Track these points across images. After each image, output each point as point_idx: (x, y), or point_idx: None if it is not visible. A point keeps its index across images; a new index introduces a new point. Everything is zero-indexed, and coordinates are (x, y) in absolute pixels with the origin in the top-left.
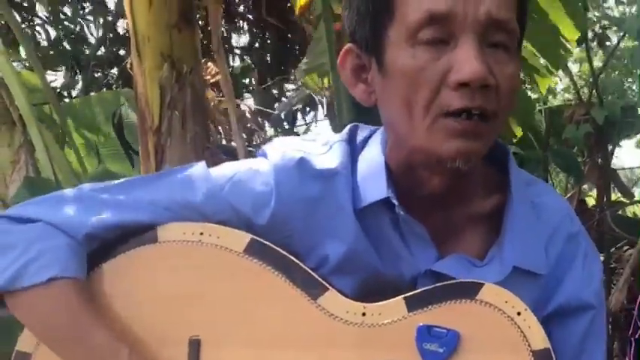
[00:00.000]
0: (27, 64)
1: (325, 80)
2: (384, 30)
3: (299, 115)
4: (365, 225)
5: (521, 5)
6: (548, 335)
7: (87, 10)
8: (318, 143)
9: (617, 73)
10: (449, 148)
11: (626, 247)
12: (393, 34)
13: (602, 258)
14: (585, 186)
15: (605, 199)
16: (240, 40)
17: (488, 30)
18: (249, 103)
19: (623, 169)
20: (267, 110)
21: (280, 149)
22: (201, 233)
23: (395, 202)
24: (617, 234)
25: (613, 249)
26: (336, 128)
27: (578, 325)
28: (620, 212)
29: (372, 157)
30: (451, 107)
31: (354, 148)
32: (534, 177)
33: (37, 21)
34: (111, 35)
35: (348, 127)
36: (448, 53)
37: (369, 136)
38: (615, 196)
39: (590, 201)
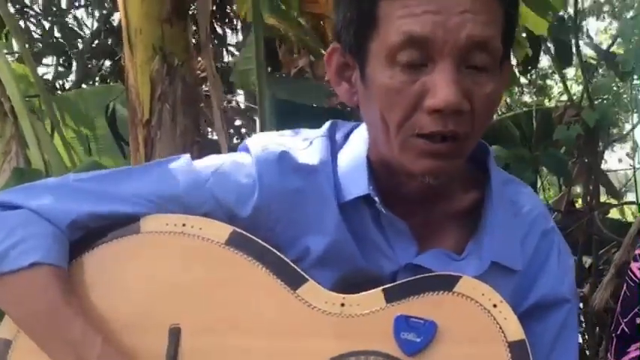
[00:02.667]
0: (19, 56)
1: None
2: (367, 42)
3: None
4: (346, 219)
5: (508, 21)
6: (526, 329)
7: (81, 3)
8: (299, 139)
9: (609, 74)
10: (418, 167)
11: (614, 250)
12: (374, 48)
13: (590, 260)
14: (578, 188)
15: (593, 201)
16: (236, 37)
17: (469, 52)
18: (240, 99)
19: (614, 171)
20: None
21: (261, 143)
22: (184, 224)
23: (376, 198)
24: (605, 235)
25: (602, 251)
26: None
27: (555, 319)
28: (608, 214)
29: (354, 153)
30: (423, 130)
31: (334, 143)
32: (511, 176)
33: (31, 12)
34: (107, 27)
35: (327, 123)
36: (425, 75)
37: (350, 132)
38: (604, 198)
39: (580, 203)
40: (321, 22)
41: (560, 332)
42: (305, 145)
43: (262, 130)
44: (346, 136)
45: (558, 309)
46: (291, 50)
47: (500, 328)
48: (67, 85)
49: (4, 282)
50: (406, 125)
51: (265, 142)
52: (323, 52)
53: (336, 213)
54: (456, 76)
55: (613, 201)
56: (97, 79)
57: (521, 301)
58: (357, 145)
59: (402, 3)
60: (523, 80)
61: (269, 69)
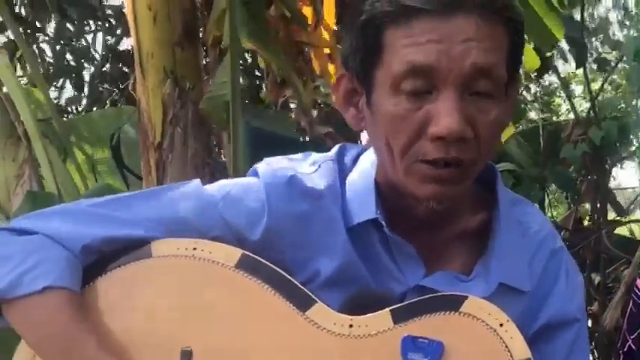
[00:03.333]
0: (32, 80)
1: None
2: (373, 69)
3: None
4: (355, 242)
5: (513, 46)
6: (536, 349)
7: (92, 28)
8: (307, 163)
9: (616, 92)
10: (422, 192)
11: (622, 267)
12: (379, 76)
13: (598, 278)
14: (587, 206)
15: (601, 218)
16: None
17: (473, 79)
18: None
19: (622, 189)
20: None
21: (270, 168)
22: (194, 248)
23: (383, 222)
24: (613, 253)
25: (610, 269)
26: (235, 164)
27: (565, 339)
28: (616, 231)
29: (362, 176)
30: (427, 156)
31: (342, 168)
32: (519, 196)
33: (43, 37)
34: (116, 50)
35: (336, 146)
36: (429, 103)
37: (358, 155)
38: (612, 215)
39: (588, 221)
40: (307, 51)
41: (571, 351)
42: (313, 169)
43: (234, 159)
44: (355, 160)
45: (568, 328)
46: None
47: (507, 347)
48: (78, 109)
49: (19, 306)
50: (410, 151)
51: (274, 166)
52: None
53: (345, 236)
54: (460, 104)
55: (621, 219)
56: (108, 103)
57: (531, 321)
58: (365, 169)
59: (406, 32)
60: (528, 97)
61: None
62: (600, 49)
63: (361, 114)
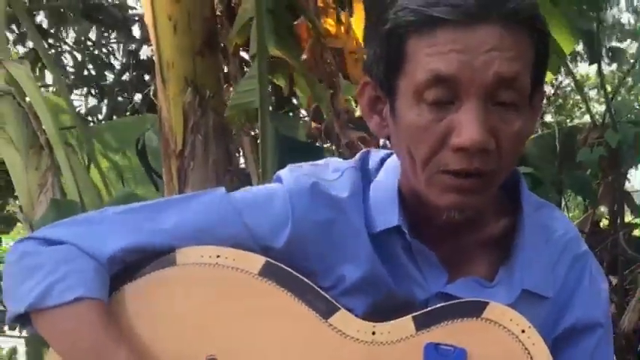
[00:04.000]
0: (53, 89)
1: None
2: (396, 78)
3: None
4: (378, 248)
5: (538, 55)
6: (559, 353)
7: (112, 36)
8: (330, 169)
9: (629, 94)
10: (444, 201)
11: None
12: (402, 85)
13: (615, 280)
14: (603, 209)
15: (618, 221)
16: None
17: (496, 89)
18: None
19: (638, 191)
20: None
21: (294, 175)
22: (218, 256)
23: (406, 230)
24: (630, 255)
25: (627, 271)
26: (264, 171)
27: (588, 343)
28: (634, 234)
29: (386, 184)
30: (448, 167)
31: (366, 174)
32: (543, 201)
33: (64, 47)
34: (134, 61)
35: (359, 152)
36: (452, 114)
37: (383, 160)
38: (629, 218)
39: (606, 223)
40: (343, 57)
41: (593, 356)
42: (336, 176)
43: (264, 166)
44: (379, 166)
45: (592, 333)
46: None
47: (529, 353)
48: (98, 118)
49: (48, 316)
50: (432, 161)
51: (297, 173)
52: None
53: (368, 243)
54: (483, 115)
55: (638, 221)
56: (128, 111)
57: (555, 326)
58: (388, 176)
59: (429, 41)
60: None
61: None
62: (614, 43)
63: (385, 122)
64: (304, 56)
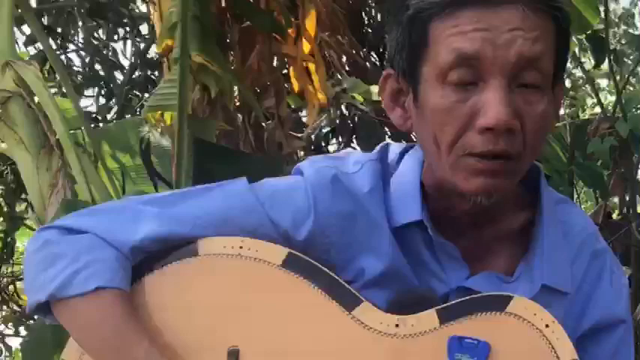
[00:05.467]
0: (62, 90)
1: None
2: (419, 65)
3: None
4: (399, 243)
5: (560, 38)
6: (584, 352)
7: (120, 35)
8: (350, 162)
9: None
10: (471, 185)
11: None
12: (426, 71)
13: (629, 271)
14: (616, 200)
15: (630, 211)
16: None
17: (520, 70)
18: None
19: None
20: (294, 134)
21: (314, 167)
22: (241, 247)
23: (428, 224)
24: None
25: None
26: (178, 176)
27: (611, 339)
28: None
29: (407, 177)
30: (474, 149)
31: (385, 167)
32: (562, 196)
33: (72, 47)
34: (145, 57)
35: (379, 145)
36: (476, 95)
37: (403, 153)
38: None
39: (617, 214)
40: (287, 64)
41: (616, 352)
42: (356, 168)
43: (178, 170)
44: (399, 159)
45: (614, 330)
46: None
47: (553, 348)
48: (109, 118)
49: (69, 306)
50: (458, 145)
51: (317, 165)
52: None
53: (390, 237)
54: (507, 95)
55: None
56: (138, 110)
57: (577, 324)
58: (409, 169)
59: (453, 22)
60: None
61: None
62: (621, 42)
63: (407, 113)
64: (251, 61)
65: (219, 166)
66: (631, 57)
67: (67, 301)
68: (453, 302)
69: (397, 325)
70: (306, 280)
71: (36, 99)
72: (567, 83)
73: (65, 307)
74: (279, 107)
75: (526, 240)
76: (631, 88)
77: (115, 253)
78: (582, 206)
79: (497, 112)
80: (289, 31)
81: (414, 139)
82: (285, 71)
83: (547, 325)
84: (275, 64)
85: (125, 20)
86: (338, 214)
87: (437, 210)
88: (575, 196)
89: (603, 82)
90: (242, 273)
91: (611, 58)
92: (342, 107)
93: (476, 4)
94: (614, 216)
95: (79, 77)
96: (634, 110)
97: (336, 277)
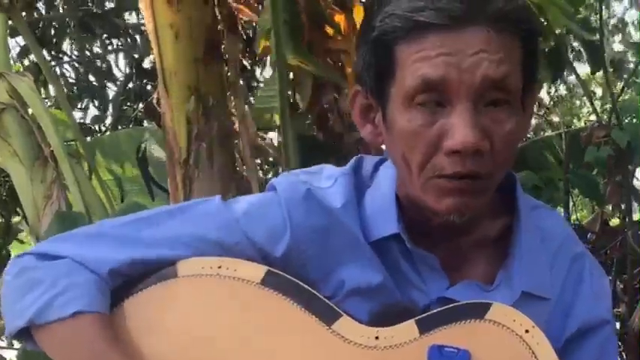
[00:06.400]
0: (56, 101)
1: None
2: (386, 85)
3: None
4: (378, 255)
5: (527, 53)
6: (570, 355)
7: (114, 47)
8: (323, 176)
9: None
10: (442, 206)
11: None
12: (393, 91)
13: (625, 278)
14: (612, 208)
15: (627, 220)
16: (264, 73)
17: (486, 91)
18: (273, 135)
19: None
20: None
21: (287, 182)
22: (219, 267)
23: (405, 237)
24: None
25: (637, 269)
26: (288, 166)
27: (597, 340)
28: None
29: (382, 190)
30: (444, 171)
31: (360, 180)
32: (538, 202)
33: (65, 58)
34: (140, 67)
35: (353, 159)
36: (443, 117)
37: (378, 166)
38: (637, 216)
39: (616, 222)
40: (340, 58)
41: (603, 351)
42: (329, 183)
43: (288, 167)
44: (373, 172)
45: (599, 330)
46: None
47: (534, 353)
48: (103, 128)
49: (49, 331)
50: (427, 166)
51: (290, 180)
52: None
53: (369, 249)
54: (474, 117)
55: None
56: (132, 121)
57: (562, 329)
58: (384, 182)
59: (417, 47)
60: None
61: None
62: (618, 49)
63: (378, 129)
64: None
65: (326, 159)
66: (630, 65)
67: (47, 326)
68: (432, 312)
69: (377, 338)
70: (286, 297)
71: (30, 111)
72: (563, 89)
73: (45, 332)
74: (340, 101)
75: (505, 246)
76: (626, 97)
77: (93, 277)
78: (578, 215)
79: (463, 135)
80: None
81: None
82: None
83: (527, 331)
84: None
85: (121, 31)
86: (313, 229)
87: (413, 221)
88: (571, 204)
89: (598, 91)
90: (221, 293)
91: (606, 66)
92: None
93: (440, 28)
94: (611, 224)
95: (75, 88)
96: (629, 119)
97: (315, 292)
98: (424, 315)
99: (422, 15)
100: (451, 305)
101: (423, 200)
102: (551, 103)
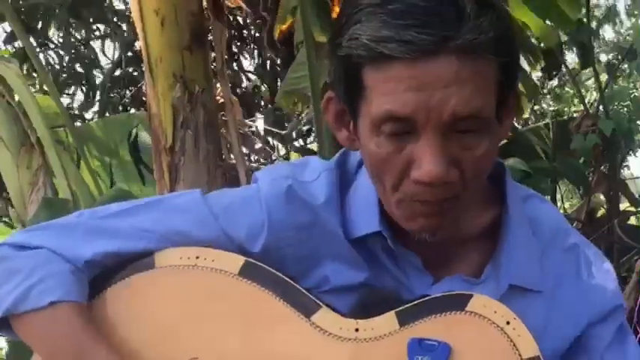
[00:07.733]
0: (42, 88)
1: (299, 104)
2: (355, 102)
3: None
4: (361, 252)
5: (504, 70)
6: (589, 349)
7: (100, 33)
8: (307, 170)
9: (629, 82)
10: (413, 226)
11: (636, 257)
12: (362, 110)
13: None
14: (602, 197)
15: (613, 209)
16: (252, 61)
17: (455, 124)
18: (260, 123)
19: (634, 178)
20: (277, 130)
21: (269, 177)
22: (197, 257)
23: (386, 235)
24: (626, 243)
25: (623, 259)
26: (322, 153)
27: (612, 327)
28: (629, 222)
29: (365, 187)
30: (413, 198)
31: (344, 176)
32: (531, 192)
33: (51, 45)
34: (128, 54)
35: (338, 153)
36: (411, 144)
37: (362, 162)
38: (624, 206)
39: (601, 211)
40: None
41: (621, 336)
42: (313, 177)
43: (321, 150)
44: (357, 168)
45: (612, 318)
46: None
47: (514, 345)
48: (90, 115)
49: (27, 321)
50: (400, 189)
51: (273, 175)
52: None
53: (350, 246)
54: (441, 148)
55: (633, 209)
56: (120, 108)
57: (574, 327)
58: (367, 180)
59: (384, 75)
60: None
61: None
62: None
63: (353, 135)
64: None
65: None
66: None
67: (24, 316)
68: (413, 304)
69: (357, 330)
70: (264, 288)
71: (16, 97)
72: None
73: (22, 322)
74: None
75: (494, 239)
76: (615, 87)
77: (69, 266)
78: (566, 204)
79: (430, 168)
80: None
81: None
82: None
83: (508, 322)
84: None
85: (108, 17)
86: (293, 226)
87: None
88: (559, 195)
89: (590, 82)
90: (199, 283)
91: (594, 58)
92: None
93: (407, 60)
94: (598, 213)
95: (63, 75)
96: (618, 107)
97: (294, 284)
98: (404, 307)
99: (387, 47)
100: (432, 296)
101: (395, 216)
102: (543, 91)
